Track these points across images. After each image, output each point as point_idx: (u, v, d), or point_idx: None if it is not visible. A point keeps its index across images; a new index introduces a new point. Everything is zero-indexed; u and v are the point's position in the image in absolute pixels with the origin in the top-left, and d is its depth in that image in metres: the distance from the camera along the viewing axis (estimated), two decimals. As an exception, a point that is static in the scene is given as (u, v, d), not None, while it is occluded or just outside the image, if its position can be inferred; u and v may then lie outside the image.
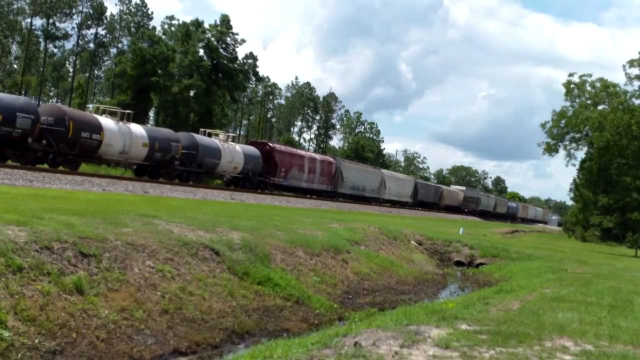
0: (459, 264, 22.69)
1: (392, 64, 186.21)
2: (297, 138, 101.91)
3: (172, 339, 7.85)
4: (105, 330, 7.16)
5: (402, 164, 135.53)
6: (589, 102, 40.94)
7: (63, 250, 7.94)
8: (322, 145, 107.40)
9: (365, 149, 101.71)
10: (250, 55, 79.33)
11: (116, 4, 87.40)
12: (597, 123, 37.74)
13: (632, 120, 36.00)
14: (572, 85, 41.21)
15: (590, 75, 41.10)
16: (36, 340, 6.30)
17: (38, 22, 72.64)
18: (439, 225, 36.26)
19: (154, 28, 73.62)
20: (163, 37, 68.29)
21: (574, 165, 46.90)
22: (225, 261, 10.60)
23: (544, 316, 8.35)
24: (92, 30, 76.71)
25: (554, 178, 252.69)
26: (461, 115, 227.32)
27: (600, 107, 40.40)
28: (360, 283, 14.19)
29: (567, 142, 41.79)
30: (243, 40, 66.62)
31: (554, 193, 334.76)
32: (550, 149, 41.50)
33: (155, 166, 30.69)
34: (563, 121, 40.97)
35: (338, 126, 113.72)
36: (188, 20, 72.23)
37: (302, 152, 48.44)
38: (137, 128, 29.54)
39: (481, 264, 22.18)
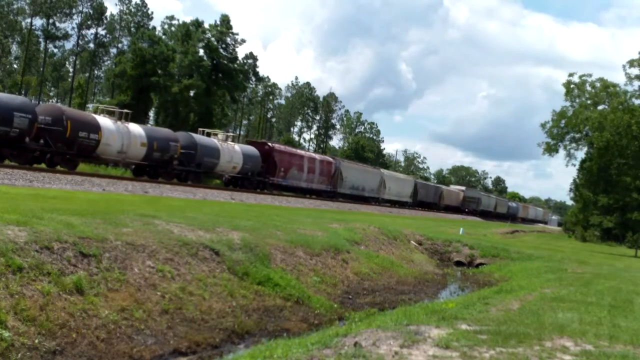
0: (459, 264, 22.69)
1: (392, 64, 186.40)
2: (297, 138, 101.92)
3: (172, 339, 7.85)
4: (105, 330, 7.16)
5: (402, 164, 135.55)
6: (589, 102, 40.96)
7: (63, 250, 7.94)
8: (322, 145, 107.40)
9: (365, 149, 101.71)
10: (250, 55, 79.42)
11: (116, 4, 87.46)
12: (597, 123, 37.74)
13: (632, 120, 36.01)
14: (572, 85, 41.22)
15: (590, 75, 41.17)
16: (36, 340, 6.30)
17: (38, 22, 72.76)
18: (439, 225, 36.27)
19: (154, 28, 73.65)
20: (163, 37, 68.28)
21: (574, 165, 46.96)
22: (225, 261, 10.60)
23: (544, 316, 8.35)
24: (92, 30, 76.80)
25: (554, 178, 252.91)
26: (461, 115, 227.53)
27: (600, 107, 40.43)
28: (360, 283, 14.19)
29: (567, 142, 41.84)
30: (243, 40, 66.67)
31: (554, 193, 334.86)
32: (550, 149, 41.51)
33: (154, 166, 30.65)
34: (563, 121, 40.99)
35: (338, 126, 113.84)
36: (188, 20, 72.31)
37: (302, 152, 48.43)
38: (135, 128, 29.49)
39: (481, 264, 22.18)
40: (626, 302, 10.84)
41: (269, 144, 42.71)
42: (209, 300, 9.20)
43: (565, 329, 7.40)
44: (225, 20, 65.35)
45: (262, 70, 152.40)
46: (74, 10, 72.90)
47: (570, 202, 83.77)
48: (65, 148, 25.10)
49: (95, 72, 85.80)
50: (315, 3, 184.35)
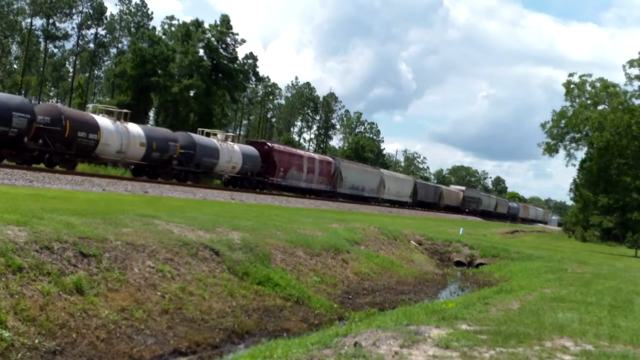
0: (459, 264, 22.69)
1: (392, 64, 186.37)
2: (297, 138, 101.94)
3: (172, 339, 7.86)
4: (105, 330, 7.16)
5: (402, 164, 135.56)
6: (589, 102, 40.93)
7: (63, 250, 7.94)
8: (322, 145, 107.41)
9: (365, 149, 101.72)
10: (250, 55, 79.42)
11: (116, 4, 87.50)
12: (597, 123, 37.73)
13: (632, 120, 36.00)
14: (572, 85, 41.19)
15: (590, 76, 41.12)
16: (36, 341, 6.30)
17: (38, 22, 72.78)
18: (439, 225, 36.27)
19: (154, 28, 73.68)
20: (163, 37, 68.30)
21: (574, 165, 46.92)
22: (225, 261, 10.60)
23: (544, 316, 8.35)
24: (92, 30, 76.81)
25: (554, 178, 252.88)
26: (461, 115, 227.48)
27: (600, 107, 40.40)
28: (360, 283, 14.19)
29: (567, 142, 41.79)
30: (243, 40, 66.68)
31: (554, 193, 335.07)
32: (550, 149, 41.49)
33: (153, 166, 30.61)
34: (563, 121, 40.96)
35: (338, 126, 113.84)
36: (188, 20, 72.34)
37: (301, 152, 48.42)
38: (134, 128, 29.46)
39: (481, 264, 22.18)
40: (626, 302, 10.84)
41: (269, 143, 42.68)
42: (209, 300, 9.20)
43: (565, 329, 7.40)
44: (225, 20, 65.36)
45: (262, 70, 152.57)
46: (74, 10, 72.94)
47: (570, 202, 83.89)
48: (64, 148, 25.08)
49: (95, 72, 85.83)
50: (315, 3, 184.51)
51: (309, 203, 36.15)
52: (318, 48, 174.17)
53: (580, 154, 47.49)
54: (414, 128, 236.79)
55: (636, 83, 38.68)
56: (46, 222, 8.66)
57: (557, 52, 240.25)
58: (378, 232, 20.59)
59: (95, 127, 26.44)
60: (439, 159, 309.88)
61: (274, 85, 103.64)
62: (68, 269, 7.69)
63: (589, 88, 40.77)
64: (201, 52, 63.45)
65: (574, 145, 41.95)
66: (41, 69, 76.21)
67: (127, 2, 77.41)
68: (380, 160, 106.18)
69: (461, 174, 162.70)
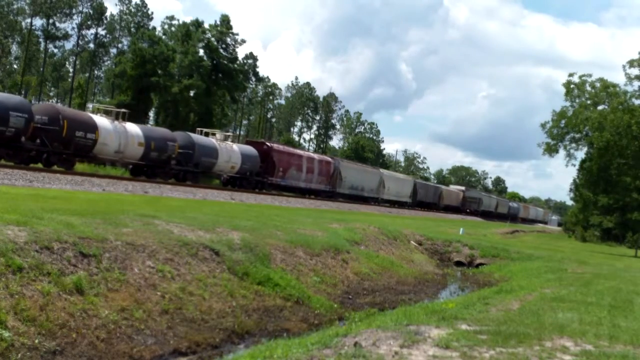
0: (459, 264, 22.69)
1: (392, 64, 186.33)
2: (297, 138, 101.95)
3: (172, 339, 7.86)
4: (105, 330, 7.16)
5: (402, 164, 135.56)
6: (589, 102, 40.90)
7: (63, 250, 7.94)
8: (322, 146, 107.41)
9: (365, 149, 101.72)
10: (250, 56, 79.40)
11: (116, 4, 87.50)
12: (597, 123, 37.72)
13: (632, 120, 35.99)
14: (572, 86, 41.15)
15: (590, 76, 41.08)
16: (36, 341, 6.30)
17: (38, 22, 72.80)
18: (439, 225, 36.27)
19: (154, 28, 73.68)
20: (163, 37, 68.31)
21: (574, 166, 46.87)
22: (225, 261, 10.60)
23: (544, 316, 8.36)
24: (92, 31, 76.82)
25: (554, 178, 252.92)
26: (461, 115, 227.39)
27: (600, 107, 40.37)
28: (360, 283, 14.19)
29: (567, 142, 41.74)
30: (243, 41, 66.69)
31: (554, 193, 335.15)
32: (550, 149, 41.48)
33: (151, 166, 30.53)
34: (563, 121, 40.93)
35: (338, 126, 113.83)
36: (188, 20, 72.37)
37: (300, 152, 48.39)
38: (132, 127, 29.36)
39: (481, 264, 22.19)
40: (626, 302, 10.84)
41: (268, 143, 42.64)
42: (209, 300, 9.20)
43: (565, 329, 7.40)
44: (225, 21, 65.36)
45: (262, 70, 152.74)
46: (74, 11, 72.96)
47: (570, 202, 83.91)
48: (62, 148, 25.00)
49: (95, 72, 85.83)
50: (315, 3, 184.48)
51: (309, 203, 36.15)
52: (318, 48, 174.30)
53: (580, 154, 47.51)
54: (414, 128, 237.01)
55: (636, 83, 38.69)
56: (46, 222, 8.66)
57: (557, 52, 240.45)
58: (378, 232, 20.59)
59: (93, 127, 26.38)
60: (439, 159, 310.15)
61: (274, 85, 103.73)
62: (68, 269, 7.69)
63: (589, 88, 40.74)
64: (201, 52, 63.46)
65: (574, 145, 41.95)
66: (41, 69, 76.23)
67: (127, 2, 77.45)
68: (380, 160, 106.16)
69: (461, 174, 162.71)
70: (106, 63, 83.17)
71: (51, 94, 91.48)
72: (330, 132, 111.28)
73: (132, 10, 77.60)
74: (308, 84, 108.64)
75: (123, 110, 31.41)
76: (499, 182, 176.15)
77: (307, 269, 12.88)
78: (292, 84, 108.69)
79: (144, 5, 77.39)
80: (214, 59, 62.83)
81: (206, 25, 65.18)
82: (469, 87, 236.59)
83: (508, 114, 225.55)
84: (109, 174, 28.50)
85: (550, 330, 7.29)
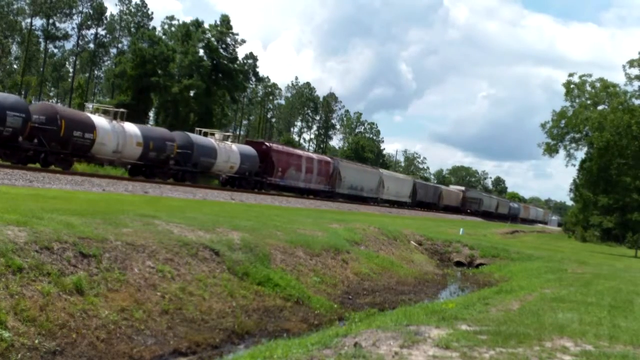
0: (459, 264, 22.69)
1: (392, 64, 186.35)
2: (297, 138, 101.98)
3: (172, 339, 7.86)
4: (105, 331, 7.16)
5: (402, 164, 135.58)
6: (589, 102, 40.92)
7: (63, 250, 7.94)
8: (322, 146, 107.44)
9: (365, 149, 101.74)
10: (250, 56, 79.47)
11: (116, 4, 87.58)
12: (597, 123, 37.73)
13: (632, 120, 36.00)
14: (572, 86, 41.18)
15: (590, 76, 41.11)
16: (36, 341, 6.30)
17: (38, 22, 72.86)
18: (439, 225, 36.27)
19: (154, 28, 73.73)
20: (163, 37, 68.33)
21: (574, 166, 46.90)
22: (225, 261, 10.60)
23: (544, 316, 8.36)
24: (92, 31, 76.88)
25: (554, 178, 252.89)
26: (461, 115, 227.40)
27: (600, 107, 40.39)
28: (360, 283, 14.19)
29: (567, 142, 41.77)
30: (243, 41, 66.75)
31: (554, 193, 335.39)
32: (550, 150, 41.49)
33: (150, 165, 30.43)
34: (563, 121, 40.95)
35: (338, 126, 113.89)
36: (188, 20, 72.44)
37: (300, 152, 48.34)
38: (131, 127, 29.24)
39: (481, 264, 22.18)
40: (626, 302, 10.84)
41: (267, 143, 42.59)
42: (209, 300, 9.20)
43: (565, 329, 7.40)
44: (225, 21, 65.40)
45: (262, 71, 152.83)
46: (74, 11, 73.02)
47: (570, 203, 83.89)
48: (60, 147, 24.90)
49: (95, 72, 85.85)
50: (315, 3, 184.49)
51: (309, 203, 36.14)
52: (318, 48, 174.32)
53: (580, 154, 47.54)
54: (414, 128, 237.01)
55: (636, 83, 38.71)
56: (46, 222, 8.65)
57: (557, 52, 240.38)
58: (378, 232, 20.59)
59: (91, 127, 26.28)
60: (439, 159, 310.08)
61: (274, 85, 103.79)
62: (68, 269, 7.69)
63: (588, 88, 40.77)
64: (201, 52, 63.49)
65: (574, 145, 41.97)
66: (41, 69, 76.25)
67: (127, 2, 77.49)
68: (380, 160, 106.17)
69: (461, 174, 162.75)
70: (106, 63, 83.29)
71: (51, 94, 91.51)
72: (330, 132, 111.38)
73: (132, 10, 77.66)
74: (308, 84, 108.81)
75: (121, 109, 31.33)
76: (499, 182, 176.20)
77: (307, 269, 12.88)
78: (292, 84, 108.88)
79: (144, 5, 77.47)
80: (214, 59, 62.85)
81: (206, 25, 65.28)
82: (469, 87, 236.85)
83: (508, 114, 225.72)
84: (109, 174, 28.47)
85: (550, 330, 7.29)
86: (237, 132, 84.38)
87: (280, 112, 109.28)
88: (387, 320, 7.98)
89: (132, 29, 75.69)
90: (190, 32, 64.41)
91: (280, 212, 21.79)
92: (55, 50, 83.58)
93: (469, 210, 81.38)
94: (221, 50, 64.32)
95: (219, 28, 64.69)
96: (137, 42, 62.33)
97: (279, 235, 13.87)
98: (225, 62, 63.80)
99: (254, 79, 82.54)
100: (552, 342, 6.62)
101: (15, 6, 70.99)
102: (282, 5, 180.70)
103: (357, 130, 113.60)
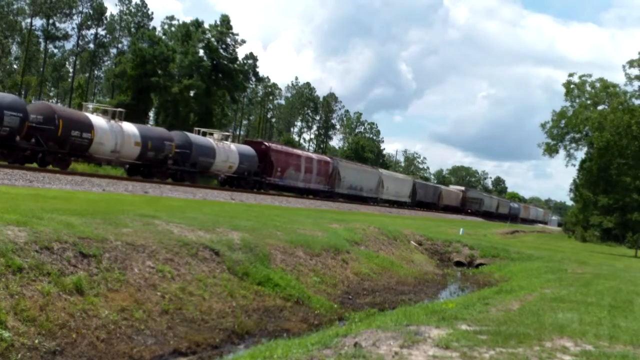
0: (459, 264, 22.69)
1: (392, 64, 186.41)
2: (297, 138, 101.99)
3: (172, 339, 7.85)
4: (105, 331, 7.16)
5: (402, 164, 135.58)
6: (589, 102, 40.95)
7: (63, 250, 7.94)
8: (322, 146, 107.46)
9: (365, 149, 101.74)
10: (250, 56, 79.47)
11: (116, 4, 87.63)
12: (597, 123, 37.74)
13: (632, 121, 36.01)
14: (572, 86, 41.20)
15: (590, 76, 41.15)
16: (36, 341, 6.30)
17: (38, 22, 72.89)
18: (439, 225, 36.26)
19: (154, 28, 73.75)
20: (163, 37, 68.34)
21: (574, 166, 46.91)
22: (225, 261, 10.60)
23: (544, 316, 8.35)
24: (92, 31, 76.91)
25: (554, 178, 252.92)
26: (461, 115, 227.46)
27: (600, 107, 40.42)
28: (360, 283, 14.18)
29: (567, 143, 41.79)
30: (243, 41, 66.77)
31: (554, 193, 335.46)
32: (550, 150, 41.50)
33: (148, 165, 30.35)
34: (563, 121, 40.97)
35: (338, 126, 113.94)
36: (188, 20, 72.41)
37: (299, 152, 48.30)
38: (129, 127, 29.16)
39: (481, 264, 22.18)
40: (626, 302, 10.84)
41: (266, 143, 42.54)
42: (209, 300, 9.20)
43: (565, 329, 7.40)
44: (225, 21, 65.41)
45: (262, 71, 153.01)
46: (74, 11, 73.05)
47: (570, 203, 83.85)
48: (57, 147, 24.82)
49: (95, 72, 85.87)
50: (315, 3, 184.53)
51: (309, 203, 36.13)
52: (318, 48, 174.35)
53: (580, 154, 47.56)
54: (414, 128, 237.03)
55: (636, 83, 38.74)
56: (46, 222, 8.65)
57: (557, 52, 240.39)
58: (378, 232, 20.59)
59: (89, 126, 26.20)
60: (439, 159, 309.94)
61: (274, 85, 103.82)
62: (68, 269, 7.69)
63: (588, 88, 40.79)
64: (201, 52, 63.50)
65: (574, 145, 41.99)
66: (41, 69, 76.26)
67: (127, 2, 77.53)
68: (380, 160, 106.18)
69: (461, 174, 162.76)
70: (106, 63, 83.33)
71: (51, 94, 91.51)
72: (330, 132, 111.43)
73: (132, 10, 77.70)
74: (308, 84, 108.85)
75: (120, 109, 31.28)
76: (499, 182, 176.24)
77: (307, 269, 12.88)
78: (292, 84, 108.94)
79: (144, 5, 77.51)
80: (214, 59, 62.86)
81: (206, 26, 65.29)
82: (469, 87, 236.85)
83: (508, 114, 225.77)
84: (109, 174, 28.45)
85: (550, 330, 7.29)
86: (237, 132, 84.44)
87: (280, 112, 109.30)
88: (387, 320, 7.98)
89: (132, 29, 75.72)
90: (190, 32, 64.43)
91: (280, 212, 21.78)
92: (55, 50, 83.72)
93: (469, 210, 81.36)
94: (221, 51, 64.33)
95: (219, 28, 64.71)
96: (137, 42, 62.35)
97: (279, 235, 13.87)
98: (225, 62, 63.81)
99: (254, 79, 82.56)
100: (552, 342, 6.62)
101: (15, 6, 71.05)
102: (282, 5, 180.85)
103: (357, 130, 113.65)
